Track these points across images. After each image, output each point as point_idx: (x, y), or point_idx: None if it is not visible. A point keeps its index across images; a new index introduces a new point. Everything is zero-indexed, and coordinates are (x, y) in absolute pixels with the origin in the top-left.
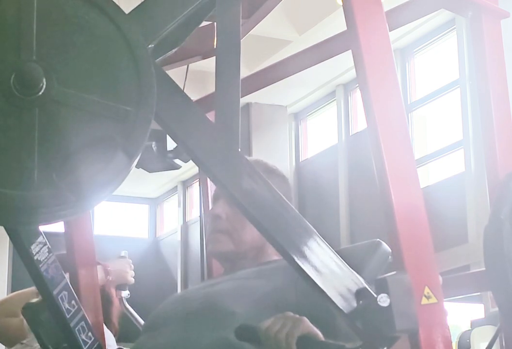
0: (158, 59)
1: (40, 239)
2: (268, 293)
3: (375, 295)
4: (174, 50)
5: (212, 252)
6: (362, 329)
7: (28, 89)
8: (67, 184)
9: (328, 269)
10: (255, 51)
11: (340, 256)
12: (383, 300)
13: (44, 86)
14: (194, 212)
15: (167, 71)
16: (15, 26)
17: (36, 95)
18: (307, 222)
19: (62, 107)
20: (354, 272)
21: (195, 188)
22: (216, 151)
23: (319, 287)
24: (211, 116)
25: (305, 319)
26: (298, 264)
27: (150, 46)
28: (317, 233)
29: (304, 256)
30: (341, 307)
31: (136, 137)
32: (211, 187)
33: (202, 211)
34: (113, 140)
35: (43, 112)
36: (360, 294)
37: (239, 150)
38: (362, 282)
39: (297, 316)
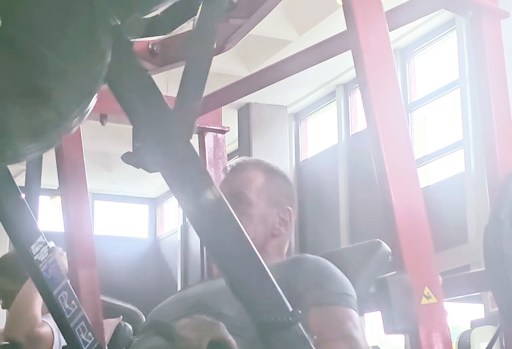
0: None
1: (40, 239)
2: None
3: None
4: (163, 36)
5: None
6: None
7: None
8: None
9: (252, 283)
10: (255, 51)
11: (340, 256)
12: (295, 318)
13: None
14: None
15: (167, 71)
16: None
17: None
18: (244, 233)
19: (12, 52)
20: (278, 288)
21: None
22: (166, 137)
23: (240, 298)
24: (208, 117)
25: (222, 325)
26: (228, 274)
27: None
28: (252, 247)
29: (235, 268)
30: (254, 319)
31: (71, 96)
32: None
33: None
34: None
35: None
36: (277, 310)
37: (190, 141)
38: (283, 299)
39: (215, 321)
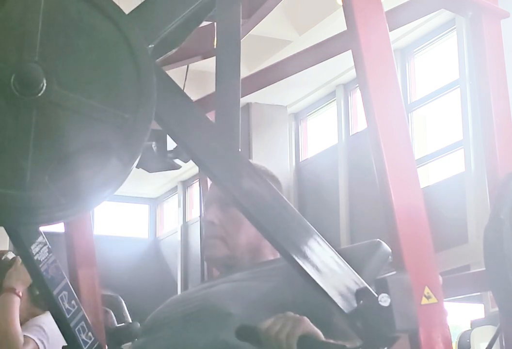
0: (158, 59)
1: (40, 239)
2: (264, 294)
3: (376, 295)
4: (174, 50)
5: (208, 258)
6: (362, 329)
7: (27, 89)
8: (59, 186)
9: (328, 268)
10: (255, 51)
11: (340, 256)
12: (384, 300)
13: (44, 88)
14: (194, 212)
15: (167, 72)
16: (19, 26)
17: (35, 96)
18: (307, 222)
19: (60, 110)
20: (355, 272)
21: (195, 188)
22: (216, 151)
23: (320, 287)
24: (211, 116)
25: (306, 318)
26: (298, 264)
27: (150, 46)
28: (318, 233)
29: (304, 256)
30: (341, 307)
31: (132, 144)
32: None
33: (202, 211)
34: (109, 146)
35: (41, 114)
36: (360, 294)
37: (239, 150)
38: (362, 282)
39: (298, 316)
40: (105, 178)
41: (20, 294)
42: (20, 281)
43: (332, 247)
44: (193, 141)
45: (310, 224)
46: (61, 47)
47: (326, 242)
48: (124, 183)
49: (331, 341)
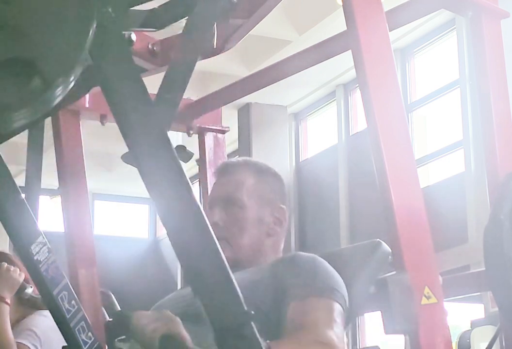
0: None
1: (40, 239)
2: (245, 288)
3: (247, 320)
4: (152, 30)
5: None
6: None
7: None
8: None
9: (213, 285)
10: (255, 51)
11: (340, 256)
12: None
13: None
14: None
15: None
16: None
17: None
18: (208, 225)
19: None
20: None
21: (194, 188)
22: (144, 129)
23: (200, 297)
24: (208, 117)
25: (178, 320)
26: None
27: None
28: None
29: (197, 265)
30: (211, 322)
31: (55, 66)
32: (211, 187)
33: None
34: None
35: None
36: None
37: (168, 132)
38: (241, 304)
39: (173, 316)
40: (22, 98)
41: (8, 301)
42: (6, 288)
43: (332, 247)
44: (125, 113)
45: (205, 219)
46: None
47: (222, 256)
48: (124, 183)
49: (195, 347)
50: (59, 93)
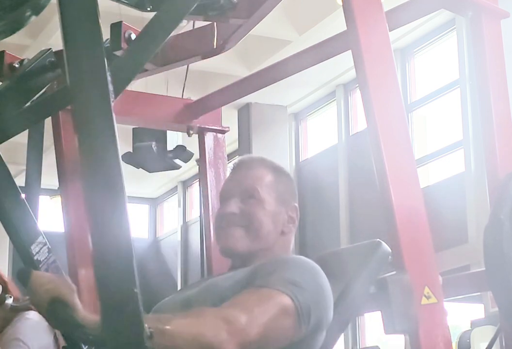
0: None
1: (40, 239)
2: (228, 288)
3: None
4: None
5: (225, 247)
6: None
7: None
8: None
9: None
10: (255, 51)
11: (340, 256)
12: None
13: None
14: (194, 212)
15: (167, 72)
16: None
17: None
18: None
19: None
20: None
21: (195, 188)
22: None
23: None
24: (208, 117)
25: (73, 287)
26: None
27: None
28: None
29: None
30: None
31: None
32: (211, 187)
33: (202, 211)
34: None
35: None
36: None
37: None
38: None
39: (71, 284)
40: None
41: None
42: None
43: (332, 247)
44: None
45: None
46: None
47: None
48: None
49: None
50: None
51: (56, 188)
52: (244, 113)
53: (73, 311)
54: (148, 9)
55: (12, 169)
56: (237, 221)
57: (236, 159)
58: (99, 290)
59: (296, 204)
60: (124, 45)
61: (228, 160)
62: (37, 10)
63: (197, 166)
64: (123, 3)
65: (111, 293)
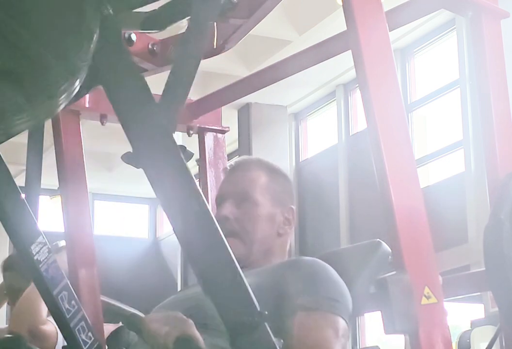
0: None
1: (40, 239)
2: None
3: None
4: (153, 32)
5: None
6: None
7: None
8: None
9: (224, 283)
10: (255, 51)
11: (340, 256)
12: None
13: None
14: None
15: (167, 72)
16: None
17: None
18: (213, 217)
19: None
20: (249, 291)
21: None
22: (149, 129)
23: (210, 297)
24: (208, 117)
25: (190, 321)
26: (197, 266)
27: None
28: (224, 240)
29: (208, 267)
30: (223, 321)
31: (43, 83)
32: (211, 187)
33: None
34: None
35: None
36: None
37: (174, 134)
38: (253, 304)
39: (185, 318)
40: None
41: None
42: None
43: (332, 247)
44: (129, 113)
45: (217, 227)
46: None
47: (233, 258)
48: (124, 183)
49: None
50: (44, 115)
51: (56, 188)
52: (244, 113)
53: (199, 344)
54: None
55: (12, 169)
56: (230, 227)
57: (233, 161)
58: (224, 317)
59: (293, 206)
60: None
61: (228, 160)
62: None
63: (197, 166)
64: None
65: (237, 319)
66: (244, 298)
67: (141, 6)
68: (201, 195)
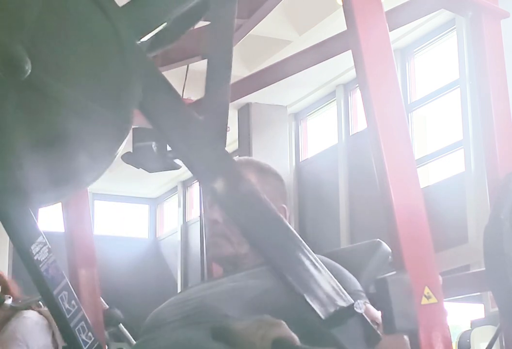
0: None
1: (40, 239)
2: (260, 295)
3: (352, 301)
4: (168, 47)
5: (213, 256)
6: (338, 335)
7: (11, 71)
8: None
9: (308, 274)
10: (255, 51)
11: (340, 256)
12: (359, 306)
13: (29, 72)
14: (194, 212)
15: (167, 71)
16: (17, 7)
17: (19, 79)
18: (288, 224)
19: (41, 97)
20: (333, 277)
21: (195, 188)
22: (202, 148)
23: (297, 290)
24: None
25: (283, 323)
26: (276, 266)
27: (141, 41)
28: (299, 236)
29: (284, 259)
30: (318, 312)
31: (109, 143)
32: None
33: (202, 211)
34: (85, 141)
35: (22, 97)
36: (338, 299)
37: (225, 148)
38: (341, 288)
39: (275, 319)
40: (72, 171)
41: None
42: None
43: (332, 247)
44: (179, 138)
45: (290, 226)
46: (52, 34)
47: (307, 246)
48: (124, 183)
49: (307, 346)
50: (106, 167)
51: None
52: (244, 113)
53: (296, 343)
54: None
55: None
56: (219, 230)
57: None
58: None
59: (285, 205)
60: None
61: None
62: None
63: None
64: None
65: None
66: (331, 288)
67: (174, 42)
68: (264, 198)
